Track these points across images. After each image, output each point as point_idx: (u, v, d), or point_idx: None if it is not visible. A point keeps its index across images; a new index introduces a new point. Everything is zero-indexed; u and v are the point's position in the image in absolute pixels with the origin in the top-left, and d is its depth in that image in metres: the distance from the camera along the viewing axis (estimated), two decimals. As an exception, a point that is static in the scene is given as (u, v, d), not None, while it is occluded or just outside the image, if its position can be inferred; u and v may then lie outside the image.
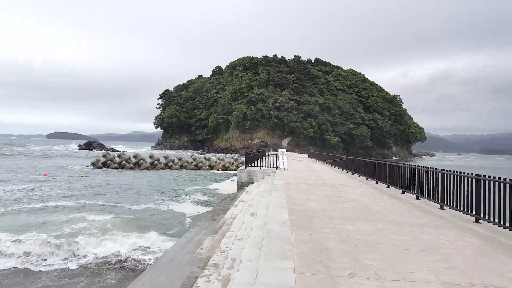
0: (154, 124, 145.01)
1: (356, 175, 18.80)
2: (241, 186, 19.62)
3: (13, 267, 9.52)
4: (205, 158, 44.70)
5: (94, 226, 12.83)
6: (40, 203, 17.74)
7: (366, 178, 16.45)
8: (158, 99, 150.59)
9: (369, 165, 16.13)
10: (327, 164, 29.54)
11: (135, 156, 43.54)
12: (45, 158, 56.68)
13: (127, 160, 42.48)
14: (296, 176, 17.33)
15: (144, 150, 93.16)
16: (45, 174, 32.03)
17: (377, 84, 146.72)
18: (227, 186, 25.75)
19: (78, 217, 14.24)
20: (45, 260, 10.14)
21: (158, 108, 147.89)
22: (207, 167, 42.46)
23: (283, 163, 21.14)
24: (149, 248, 11.17)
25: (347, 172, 21.37)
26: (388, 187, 13.26)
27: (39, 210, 16.01)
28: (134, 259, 10.21)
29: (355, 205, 9.28)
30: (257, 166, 20.73)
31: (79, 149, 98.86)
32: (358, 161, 19.40)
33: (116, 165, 41.60)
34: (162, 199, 20.17)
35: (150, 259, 10.12)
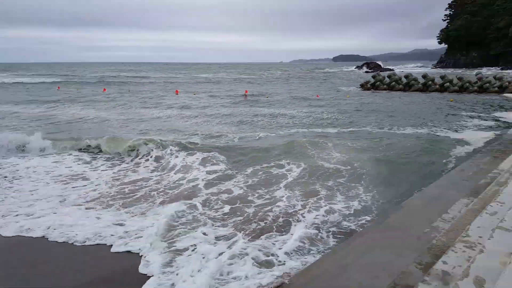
0: (438, 39, 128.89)
1: None
2: (543, 119, 13.56)
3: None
4: (494, 78, 35.18)
5: (331, 154, 11.74)
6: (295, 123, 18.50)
7: None
8: (446, 9, 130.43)
9: None
10: None
11: (406, 77, 39.62)
12: (324, 81, 61.07)
13: (397, 81, 39.27)
14: None
15: (420, 70, 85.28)
16: (317, 96, 34.07)
17: None
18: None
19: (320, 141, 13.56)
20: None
21: (444, 20, 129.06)
22: (496, 88, 33.22)
23: None
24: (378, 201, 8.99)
25: None
26: None
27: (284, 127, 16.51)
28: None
29: None
30: None
31: (364, 72, 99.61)
32: None
33: (385, 86, 39.35)
34: (422, 127, 16.89)
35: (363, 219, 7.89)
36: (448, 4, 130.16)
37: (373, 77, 42.12)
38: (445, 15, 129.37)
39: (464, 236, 4.24)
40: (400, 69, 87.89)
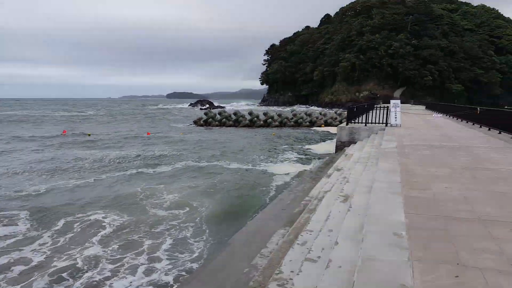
0: (260, 80, 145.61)
1: (495, 132, 14.06)
2: (340, 147, 16.20)
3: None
4: (306, 114, 41.41)
5: (164, 196, 11.08)
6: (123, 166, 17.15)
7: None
8: (264, 54, 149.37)
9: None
10: (451, 117, 23.86)
11: (235, 114, 42.59)
12: (156, 117, 60.19)
13: (227, 117, 41.80)
14: (412, 135, 13.13)
15: (249, 107, 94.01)
16: (148, 133, 33.02)
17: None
18: (325, 147, 22.37)
19: (155, 187, 12.76)
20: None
21: (264, 64, 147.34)
22: (308, 123, 39.17)
23: (396, 117, 16.78)
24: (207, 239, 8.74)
25: (480, 127, 16.37)
26: None
27: (121, 178, 15.18)
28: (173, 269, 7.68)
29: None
30: (362, 123, 17.03)
31: (199, 109, 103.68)
32: (501, 113, 14.38)
33: (217, 122, 41.31)
34: (249, 161, 17.97)
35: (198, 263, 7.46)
36: (266, 50, 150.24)
37: (206, 114, 43.83)
38: (264, 59, 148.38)
39: (277, 273, 4.15)
40: (232, 107, 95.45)
